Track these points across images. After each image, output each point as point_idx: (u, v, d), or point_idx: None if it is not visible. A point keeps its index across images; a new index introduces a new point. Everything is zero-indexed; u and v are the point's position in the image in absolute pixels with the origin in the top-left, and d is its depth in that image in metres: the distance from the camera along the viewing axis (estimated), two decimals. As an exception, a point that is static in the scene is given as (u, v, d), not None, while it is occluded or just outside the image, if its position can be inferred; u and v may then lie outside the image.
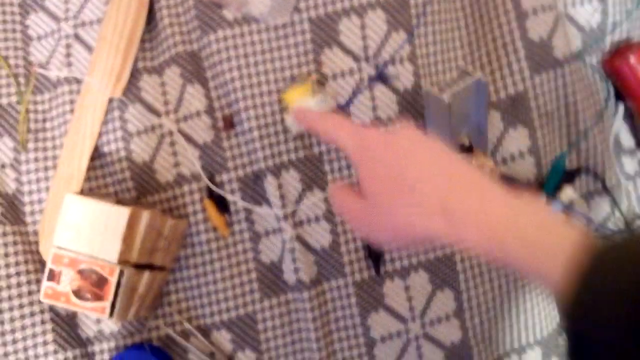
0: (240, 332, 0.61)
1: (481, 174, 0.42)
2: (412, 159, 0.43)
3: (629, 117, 0.68)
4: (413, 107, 0.62)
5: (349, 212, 0.47)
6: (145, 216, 0.54)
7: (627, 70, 0.62)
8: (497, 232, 0.38)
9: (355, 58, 0.61)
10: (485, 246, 0.38)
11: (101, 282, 0.53)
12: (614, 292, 0.33)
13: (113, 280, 0.53)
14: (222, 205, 0.62)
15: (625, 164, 0.67)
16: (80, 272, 0.52)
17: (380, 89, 0.62)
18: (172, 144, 0.61)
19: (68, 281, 0.53)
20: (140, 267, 0.55)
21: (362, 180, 0.45)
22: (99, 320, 0.60)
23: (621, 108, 0.66)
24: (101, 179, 0.62)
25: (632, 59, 0.62)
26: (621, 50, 0.64)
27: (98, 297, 0.52)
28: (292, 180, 0.61)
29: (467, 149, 0.59)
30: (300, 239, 0.61)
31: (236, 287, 0.62)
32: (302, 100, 0.58)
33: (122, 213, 0.53)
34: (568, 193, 0.60)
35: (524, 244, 0.37)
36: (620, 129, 0.68)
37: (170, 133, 0.61)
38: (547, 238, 0.36)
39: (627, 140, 0.68)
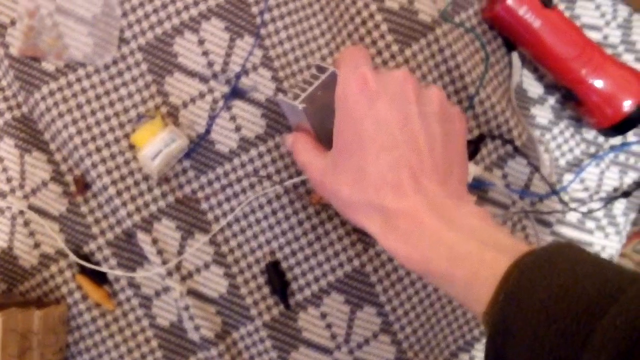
0: (154, 409, 0.55)
1: (446, 172, 0.39)
2: (392, 115, 0.38)
3: (530, 63, 0.60)
4: (282, 116, 0.54)
5: (309, 168, 0.43)
6: (-4, 321, 0.47)
7: (507, 15, 0.55)
8: (424, 246, 0.35)
9: (202, 79, 0.54)
10: (412, 261, 0.35)
11: (-38, 408, 0.46)
12: (532, 307, 0.30)
13: (-24, 403, 0.46)
14: (99, 276, 0.54)
15: (536, 115, 0.60)
16: None
17: (239, 106, 0.54)
18: (26, 223, 0.54)
19: None
20: (11, 375, 0.48)
21: (335, 124, 0.42)
22: None
23: (515, 57, 0.59)
24: (-34, 278, 0.55)
25: (510, 1, 0.54)
26: (497, -6, 0.56)
27: None
28: (167, 230, 0.54)
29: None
30: (193, 292, 0.54)
31: (138, 361, 0.55)
32: (152, 138, 0.51)
33: (-36, 327, 0.46)
34: (469, 170, 0.53)
35: (451, 264, 0.34)
36: (522, 79, 0.60)
37: (21, 212, 0.54)
38: (475, 259, 0.33)
39: (534, 88, 0.61)
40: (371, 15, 0.54)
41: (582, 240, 0.61)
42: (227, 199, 0.54)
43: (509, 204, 0.59)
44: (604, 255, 0.62)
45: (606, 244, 0.62)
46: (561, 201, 0.58)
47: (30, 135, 0.54)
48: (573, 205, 0.60)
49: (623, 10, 0.62)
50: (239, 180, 0.54)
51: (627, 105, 0.55)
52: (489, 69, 0.56)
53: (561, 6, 0.60)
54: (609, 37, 0.61)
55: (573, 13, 0.61)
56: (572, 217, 0.60)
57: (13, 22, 0.53)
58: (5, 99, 0.54)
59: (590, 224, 0.61)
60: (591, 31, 0.61)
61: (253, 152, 0.54)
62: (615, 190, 0.62)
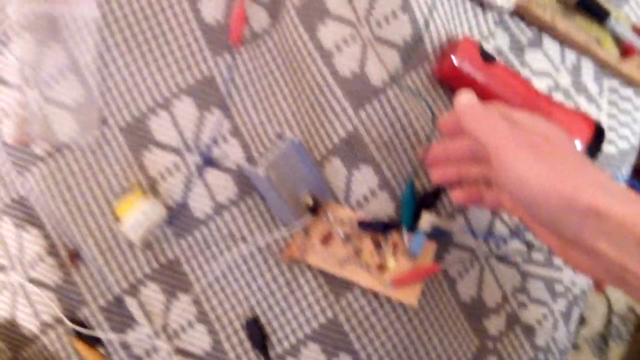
0: None
1: None
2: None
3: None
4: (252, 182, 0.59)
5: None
6: (-2, 389, 0.52)
7: (454, 73, 0.59)
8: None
9: (176, 151, 0.59)
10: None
11: None
12: None
13: None
14: (94, 340, 0.59)
15: (495, 160, 0.63)
16: None
17: (212, 174, 0.59)
18: (26, 295, 0.59)
19: None
20: None
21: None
22: None
23: (469, 109, 0.62)
24: (-24, 348, 0.60)
25: (456, 60, 0.59)
26: (444, 53, 0.61)
27: None
28: (152, 294, 0.58)
29: (312, 209, 0.56)
30: (179, 350, 0.58)
31: (133, 418, 0.59)
32: (132, 209, 0.56)
33: (-32, 397, 0.50)
34: (426, 219, 0.56)
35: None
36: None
37: (22, 286, 0.59)
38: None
39: (492, 134, 0.64)
40: (326, 83, 0.59)
41: (551, 277, 0.63)
42: (207, 261, 0.59)
43: (475, 247, 0.62)
44: (575, 290, 0.64)
45: (575, 279, 0.64)
46: (524, 242, 0.61)
47: (26, 214, 0.59)
48: (537, 244, 0.62)
49: (571, 54, 0.65)
50: (216, 242, 0.59)
51: (577, 146, 0.58)
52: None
53: (511, 55, 0.64)
54: (560, 82, 0.65)
55: (523, 60, 0.65)
56: (538, 255, 0.63)
57: (6, 114, 0.59)
58: (4, 185, 0.60)
59: (558, 261, 0.64)
60: (542, 77, 0.64)
61: (227, 216, 0.59)
62: (581, 225, 0.64)
